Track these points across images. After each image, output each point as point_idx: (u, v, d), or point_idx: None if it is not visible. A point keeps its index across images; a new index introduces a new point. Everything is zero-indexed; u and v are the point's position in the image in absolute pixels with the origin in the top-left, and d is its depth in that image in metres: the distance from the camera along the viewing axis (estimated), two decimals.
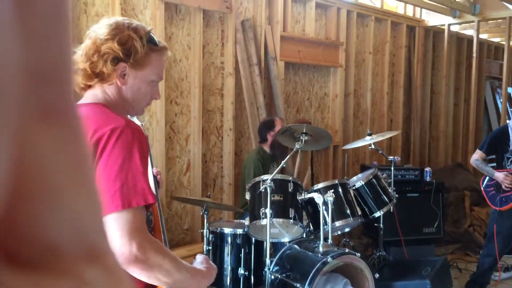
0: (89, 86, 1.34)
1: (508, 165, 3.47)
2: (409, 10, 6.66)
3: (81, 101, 1.35)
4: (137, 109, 1.41)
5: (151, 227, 1.40)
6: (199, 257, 1.43)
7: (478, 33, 6.52)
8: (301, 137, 3.00)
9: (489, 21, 6.80)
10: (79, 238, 0.28)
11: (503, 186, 3.45)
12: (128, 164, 1.16)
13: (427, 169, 4.50)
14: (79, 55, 1.30)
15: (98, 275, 0.28)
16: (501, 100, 7.09)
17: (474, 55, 6.56)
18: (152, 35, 1.36)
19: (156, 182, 1.61)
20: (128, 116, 1.70)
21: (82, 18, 3.40)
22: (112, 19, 1.33)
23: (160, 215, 1.51)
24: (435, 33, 6.99)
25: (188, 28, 4.11)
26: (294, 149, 3.00)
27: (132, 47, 1.29)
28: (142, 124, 1.74)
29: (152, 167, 1.61)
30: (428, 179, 4.41)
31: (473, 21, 6.50)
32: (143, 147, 1.22)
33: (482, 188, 3.63)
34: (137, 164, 1.17)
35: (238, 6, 4.52)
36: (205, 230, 3.04)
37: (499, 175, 3.45)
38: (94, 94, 1.33)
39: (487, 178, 3.61)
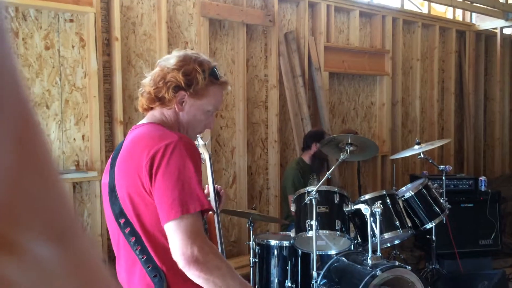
0: (151, 108, 1.48)
1: None
2: (459, 15, 6.46)
3: (140, 122, 1.49)
4: (190, 134, 1.51)
5: (207, 236, 1.45)
6: None
7: None
8: (346, 148, 2.96)
9: None
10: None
11: None
12: (183, 174, 1.26)
13: (482, 178, 4.30)
14: (148, 79, 1.46)
15: (53, 254, 0.28)
16: None
17: None
18: (216, 70, 1.48)
19: (218, 197, 1.68)
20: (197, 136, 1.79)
21: (131, 37, 3.54)
22: (182, 52, 1.47)
23: (218, 227, 1.58)
24: (487, 37, 6.73)
25: (232, 42, 4.18)
26: (340, 160, 2.96)
27: (194, 78, 1.41)
28: (205, 144, 1.80)
29: (213, 182, 1.67)
30: (483, 188, 4.22)
31: None
32: (196, 159, 1.31)
33: None
34: (192, 174, 1.27)
35: (281, 19, 4.56)
36: (251, 242, 3.05)
37: None
38: (152, 115, 1.47)
39: None
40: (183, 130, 1.47)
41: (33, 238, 0.28)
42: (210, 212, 1.50)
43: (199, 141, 1.81)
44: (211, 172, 1.70)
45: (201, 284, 1.24)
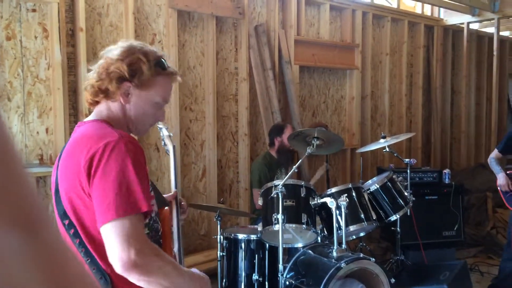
0: (97, 102, 1.42)
1: None
2: (427, 10, 6.57)
3: (86, 119, 1.44)
4: (140, 128, 1.46)
5: (159, 235, 1.42)
6: (194, 269, 1.44)
7: (498, 30, 6.38)
8: (313, 142, 2.99)
9: (510, 18, 6.64)
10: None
11: (502, 189, 3.48)
12: (122, 175, 1.21)
13: (446, 171, 4.41)
14: (92, 72, 1.40)
15: (19, 243, 0.28)
16: None
17: (495, 53, 6.42)
18: (163, 60, 1.43)
19: (181, 206, 1.62)
20: (160, 125, 1.75)
21: (96, 28, 3.46)
22: (128, 42, 1.42)
23: (177, 224, 1.53)
24: (454, 32, 6.87)
25: (202, 35, 4.15)
26: (306, 154, 2.99)
27: (138, 68, 1.36)
28: (170, 135, 1.78)
29: (175, 175, 1.64)
30: (447, 181, 4.33)
31: (493, 19, 6.36)
32: (138, 158, 1.26)
33: (498, 189, 3.56)
34: (132, 175, 1.21)
35: (251, 11, 4.54)
36: (218, 236, 3.06)
37: (500, 176, 3.46)
38: (99, 110, 1.42)
39: None
40: (132, 125, 1.43)
41: None
42: (166, 208, 1.46)
43: (164, 132, 1.78)
44: (174, 165, 1.66)
45: (144, 287, 1.21)
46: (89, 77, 1.40)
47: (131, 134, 1.42)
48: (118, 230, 1.17)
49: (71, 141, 1.36)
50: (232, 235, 3.10)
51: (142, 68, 1.35)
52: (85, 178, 1.23)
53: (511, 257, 3.49)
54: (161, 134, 1.80)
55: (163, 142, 1.77)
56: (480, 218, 5.12)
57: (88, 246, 1.27)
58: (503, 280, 3.62)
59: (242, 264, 3.06)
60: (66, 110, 3.20)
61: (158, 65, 1.40)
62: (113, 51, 1.38)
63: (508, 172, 3.56)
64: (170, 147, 1.71)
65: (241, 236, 3.08)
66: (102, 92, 1.37)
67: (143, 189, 1.23)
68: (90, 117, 1.42)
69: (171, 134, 1.80)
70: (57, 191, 1.33)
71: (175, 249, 1.52)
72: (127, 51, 1.37)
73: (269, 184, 3.03)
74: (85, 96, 1.43)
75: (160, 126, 1.82)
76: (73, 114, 3.33)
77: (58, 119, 3.18)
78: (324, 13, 5.18)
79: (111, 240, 1.18)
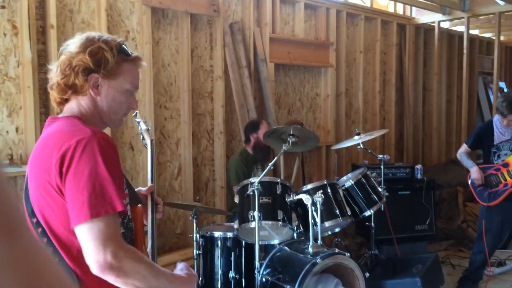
0: (66, 100, 1.38)
1: (495, 160, 3.47)
2: (399, 9, 6.68)
3: (59, 115, 1.39)
4: (114, 119, 1.42)
5: (133, 233, 1.41)
6: (180, 265, 1.43)
7: (468, 29, 6.53)
8: (289, 139, 3.01)
9: (480, 17, 6.81)
10: None
11: (474, 182, 3.49)
12: (94, 174, 1.18)
13: (418, 166, 4.50)
14: (54, 70, 1.35)
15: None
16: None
17: (465, 51, 6.57)
18: (124, 46, 1.39)
19: (154, 203, 1.60)
20: (137, 119, 1.72)
21: (68, 25, 3.40)
22: (85, 34, 1.38)
23: (152, 223, 1.52)
24: (426, 30, 7.01)
25: (176, 32, 4.12)
26: (282, 151, 3.01)
27: (102, 57, 1.32)
28: (148, 129, 1.76)
29: (152, 169, 1.62)
30: (419, 176, 4.42)
31: (463, 18, 6.52)
32: (111, 156, 1.23)
33: (469, 184, 3.63)
34: (104, 173, 1.19)
35: (226, 9, 4.53)
36: (195, 235, 3.05)
37: (474, 171, 3.46)
38: (70, 107, 1.37)
39: None
40: (106, 117, 1.39)
41: None
42: (140, 205, 1.44)
43: (142, 126, 1.77)
44: (152, 159, 1.64)
45: (120, 287, 1.20)
46: (51, 75, 1.36)
47: (110, 129, 1.40)
48: (93, 232, 1.16)
49: (42, 137, 1.33)
50: (208, 233, 3.10)
51: (106, 57, 1.32)
52: (56, 176, 1.20)
53: (481, 249, 3.59)
54: (139, 128, 1.79)
55: (141, 136, 1.76)
56: (451, 212, 5.25)
57: (56, 245, 1.24)
58: (474, 272, 3.72)
59: (218, 262, 3.06)
60: (36, 108, 3.13)
61: (121, 51, 1.37)
62: (72, 45, 1.34)
63: (481, 166, 3.57)
64: (148, 141, 1.70)
65: (217, 234, 3.08)
66: (70, 88, 1.33)
67: (117, 188, 1.21)
68: (62, 115, 1.38)
69: (149, 128, 1.78)
70: (26, 188, 1.30)
71: (149, 247, 1.50)
72: (87, 42, 1.33)
73: (245, 182, 3.04)
74: (52, 96, 1.39)
75: (138, 120, 1.81)
76: (44, 113, 3.26)
77: (29, 118, 3.11)
78: (299, 11, 5.22)
79: (86, 241, 1.16)
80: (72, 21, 3.42)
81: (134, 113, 1.85)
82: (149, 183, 1.60)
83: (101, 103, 1.36)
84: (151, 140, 1.70)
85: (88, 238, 1.16)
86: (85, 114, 1.36)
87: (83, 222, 1.16)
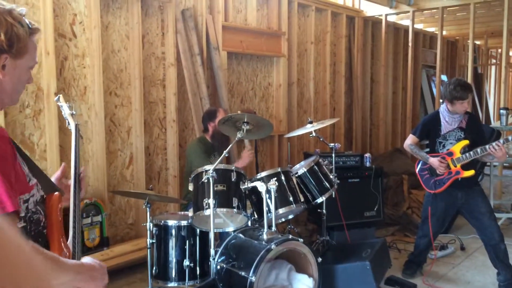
0: None
1: (440, 150, 3.63)
2: (349, 1, 6.82)
3: None
4: (14, 98, 1.29)
5: (41, 226, 1.29)
6: (86, 258, 1.32)
7: (413, 23, 6.78)
8: (243, 127, 3.01)
9: (424, 12, 7.09)
10: None
11: (437, 171, 3.56)
12: None
13: (367, 155, 4.65)
14: None
15: None
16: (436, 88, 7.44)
17: (410, 44, 6.82)
18: (25, 18, 1.25)
19: (78, 182, 1.51)
20: (60, 103, 1.60)
21: None
22: None
23: (74, 211, 1.40)
24: (374, 23, 7.21)
25: (126, 17, 4.00)
26: (236, 138, 3.01)
27: (14, 36, 1.18)
28: (73, 113, 1.67)
29: (76, 158, 1.53)
30: (368, 164, 4.56)
31: (408, 11, 6.75)
32: None
33: (417, 172, 3.78)
34: None
35: None
36: (148, 224, 2.99)
37: (434, 161, 3.54)
38: None
39: (421, 162, 3.75)
40: (8, 98, 1.24)
41: None
42: (56, 193, 1.33)
43: (66, 110, 1.67)
44: (75, 146, 1.54)
45: None
46: None
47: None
48: None
49: None
50: (162, 222, 3.06)
51: (19, 35, 1.18)
52: None
53: (426, 234, 3.77)
54: (63, 113, 1.69)
55: (67, 122, 1.67)
56: (397, 199, 5.47)
57: None
58: (418, 255, 3.90)
59: (172, 251, 3.03)
60: None
61: (27, 26, 1.23)
62: None
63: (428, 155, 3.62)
64: (72, 127, 1.62)
65: (171, 222, 3.04)
66: None
67: (7, 187, 1.10)
68: None
69: (74, 112, 1.69)
70: None
71: (70, 238, 1.39)
72: None
73: (200, 169, 3.01)
74: None
75: (61, 103, 1.70)
76: None
77: None
78: (251, 0, 5.20)
79: None
80: (15, 2, 3.23)
81: (57, 97, 1.74)
82: (73, 170, 1.49)
83: (5, 84, 1.22)
84: (76, 125, 1.61)
85: None
86: None
87: None
